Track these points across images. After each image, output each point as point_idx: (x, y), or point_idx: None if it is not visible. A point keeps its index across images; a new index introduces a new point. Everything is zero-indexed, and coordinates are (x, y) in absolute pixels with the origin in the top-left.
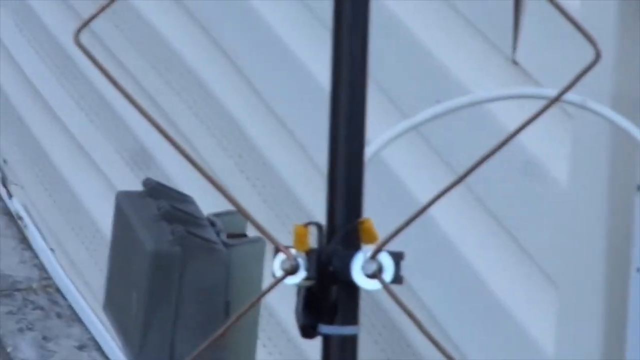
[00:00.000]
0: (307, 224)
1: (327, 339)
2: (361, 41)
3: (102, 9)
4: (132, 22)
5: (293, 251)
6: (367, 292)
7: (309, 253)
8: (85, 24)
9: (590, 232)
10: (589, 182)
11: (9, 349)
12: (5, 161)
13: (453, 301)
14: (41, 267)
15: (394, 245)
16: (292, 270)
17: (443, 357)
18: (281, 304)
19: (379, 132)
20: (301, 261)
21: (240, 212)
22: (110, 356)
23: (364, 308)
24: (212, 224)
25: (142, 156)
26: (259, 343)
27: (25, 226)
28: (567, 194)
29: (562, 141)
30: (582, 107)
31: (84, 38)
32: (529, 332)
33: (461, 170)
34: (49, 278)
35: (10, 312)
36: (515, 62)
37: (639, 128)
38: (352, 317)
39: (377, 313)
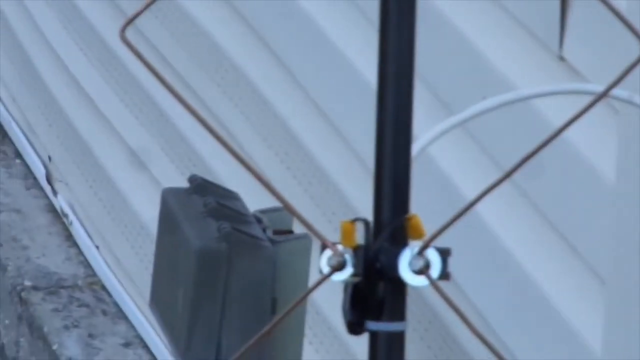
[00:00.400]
0: (354, 220)
1: (374, 336)
2: (407, 38)
3: (147, 6)
4: (177, 18)
5: (340, 247)
6: (414, 288)
7: (355, 249)
8: (131, 20)
9: (637, 228)
10: (636, 178)
11: (54, 347)
12: (50, 158)
13: (500, 298)
14: (86, 265)
15: (440, 243)
16: (339, 267)
17: (491, 354)
18: (327, 301)
19: (426, 128)
20: (348, 257)
21: (287, 208)
22: (156, 353)
23: (410, 304)
24: (259, 221)
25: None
26: (305, 341)
27: (71, 223)
28: (614, 190)
29: (608, 137)
30: (629, 102)
31: (130, 35)
32: (577, 330)
33: (508, 166)
34: (94, 275)
35: (55, 310)
36: (562, 59)
37: None
38: (399, 314)
39: (423, 309)
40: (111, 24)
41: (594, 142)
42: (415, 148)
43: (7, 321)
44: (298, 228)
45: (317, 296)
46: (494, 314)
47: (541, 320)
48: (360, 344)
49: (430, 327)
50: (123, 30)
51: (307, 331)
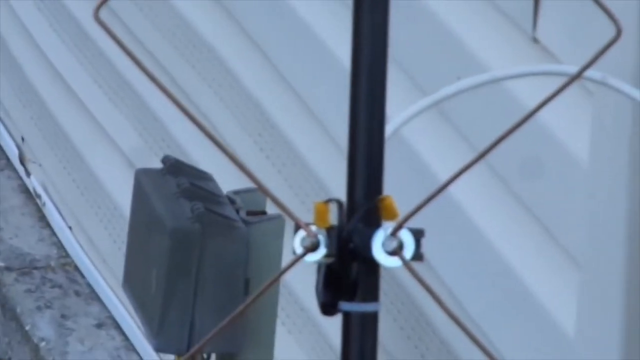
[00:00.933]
0: (327, 201)
1: (347, 316)
2: (381, 20)
3: None
4: (151, 0)
5: (313, 228)
6: (388, 269)
7: (329, 230)
8: (105, 0)
9: (612, 210)
10: (610, 160)
11: (27, 327)
12: (23, 139)
13: (473, 279)
14: (59, 245)
15: (414, 224)
16: (312, 248)
17: (463, 333)
18: (300, 282)
19: (399, 109)
20: (321, 238)
21: (260, 189)
22: (128, 334)
23: (383, 285)
24: (232, 202)
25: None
26: (278, 322)
27: (44, 204)
28: (587, 172)
29: (582, 119)
30: (602, 83)
31: (104, 15)
32: (550, 310)
33: (481, 148)
34: (67, 256)
35: (28, 290)
36: (535, 40)
37: None
38: (372, 294)
39: (396, 290)
40: (85, 4)
41: (568, 124)
42: (389, 129)
43: None
44: (271, 209)
45: (290, 277)
46: (467, 295)
47: (514, 302)
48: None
49: (403, 308)
50: (97, 10)
51: (280, 312)
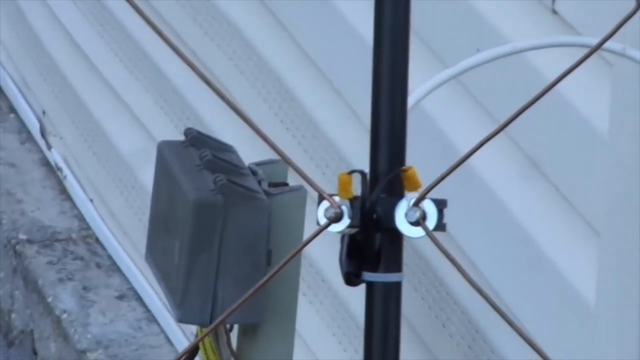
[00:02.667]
0: (350, 172)
1: (370, 287)
2: None
3: None
4: None
5: (337, 199)
6: (410, 239)
7: (352, 201)
8: None
9: (632, 181)
10: (629, 130)
11: (49, 299)
12: (44, 112)
13: (494, 249)
14: (81, 218)
15: (435, 195)
16: (336, 218)
17: (484, 304)
18: (321, 254)
19: (420, 82)
20: (345, 209)
21: (284, 159)
22: (149, 306)
23: (404, 256)
24: (254, 173)
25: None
26: (300, 293)
27: (65, 177)
28: (607, 143)
29: (602, 90)
30: (622, 55)
31: None
32: (570, 280)
33: (502, 119)
34: (89, 228)
35: (50, 263)
36: (554, 12)
37: None
38: (395, 265)
39: (417, 261)
40: None
41: (588, 95)
42: (410, 101)
43: (1, 274)
44: (293, 181)
45: (310, 249)
46: (488, 265)
47: (535, 272)
48: (355, 296)
49: (424, 279)
50: None
51: (301, 283)
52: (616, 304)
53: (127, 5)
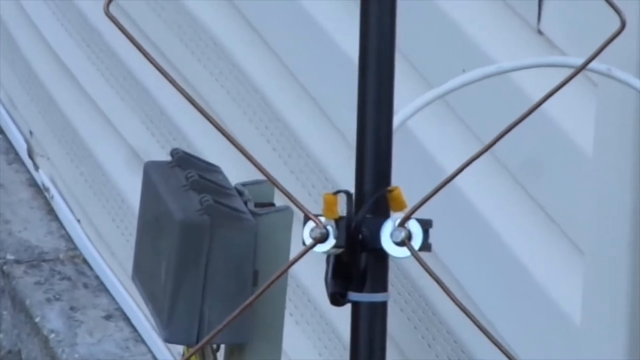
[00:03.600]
0: (336, 193)
1: (356, 307)
2: (389, 12)
3: None
4: None
5: (322, 219)
6: (396, 259)
7: (338, 221)
8: None
9: (616, 200)
10: (614, 150)
11: (36, 319)
12: (31, 133)
13: (480, 269)
14: (68, 238)
15: (421, 216)
16: (321, 238)
17: (470, 324)
18: (307, 274)
19: (405, 102)
20: (331, 229)
21: (269, 180)
22: (137, 326)
23: (390, 276)
24: (240, 194)
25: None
26: (286, 312)
27: (52, 197)
28: (592, 162)
29: (587, 110)
30: (608, 75)
31: (112, 9)
32: (557, 300)
33: (487, 139)
34: (76, 249)
35: (38, 283)
36: (540, 32)
37: None
38: (381, 285)
39: (403, 281)
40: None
41: (573, 114)
42: (396, 121)
43: None
44: (279, 201)
45: (297, 269)
46: (474, 285)
47: (520, 291)
48: (341, 316)
49: (410, 299)
50: (107, 5)
51: (288, 303)
52: (602, 323)
53: (113, 26)
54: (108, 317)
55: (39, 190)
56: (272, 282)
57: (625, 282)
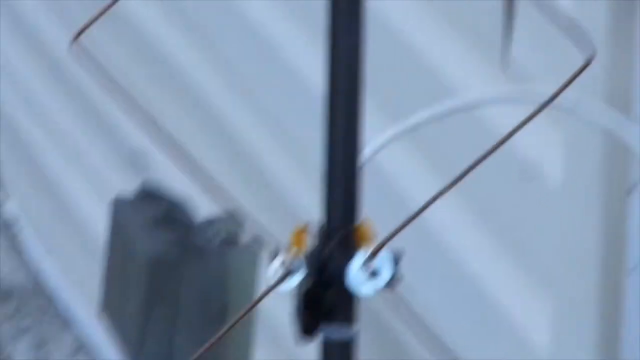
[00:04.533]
0: (303, 227)
1: (325, 342)
2: (356, 44)
3: (94, 19)
4: (126, 32)
5: (289, 254)
6: (364, 294)
7: (306, 255)
8: (80, 32)
9: (584, 232)
10: (582, 182)
11: (3, 355)
12: None
13: (447, 301)
14: (35, 273)
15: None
16: (289, 272)
17: (441, 356)
18: (275, 307)
19: (372, 135)
20: (298, 263)
21: (237, 214)
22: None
23: (359, 310)
24: (207, 229)
25: (138, 158)
26: (255, 347)
27: (19, 231)
28: (560, 195)
29: (555, 142)
30: (572, 112)
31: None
32: (524, 332)
33: (456, 173)
34: (43, 283)
35: (5, 317)
36: (507, 67)
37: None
38: (349, 319)
39: (373, 315)
40: (59, 34)
41: (541, 145)
42: (364, 155)
43: None
44: (247, 236)
45: (265, 302)
46: (441, 317)
47: (489, 323)
48: (310, 351)
49: (379, 333)
50: (74, 40)
51: (257, 338)
52: (571, 355)
53: (80, 59)
54: (76, 351)
55: (6, 224)
56: (240, 317)
57: (593, 314)
